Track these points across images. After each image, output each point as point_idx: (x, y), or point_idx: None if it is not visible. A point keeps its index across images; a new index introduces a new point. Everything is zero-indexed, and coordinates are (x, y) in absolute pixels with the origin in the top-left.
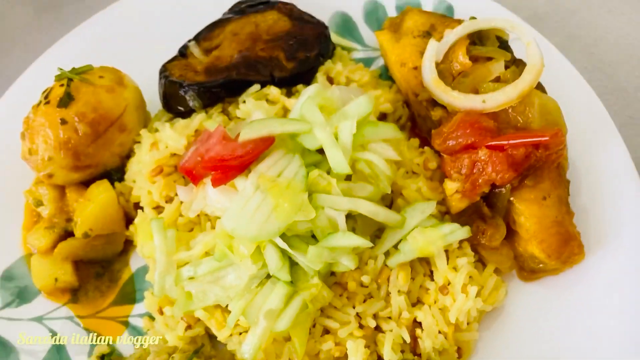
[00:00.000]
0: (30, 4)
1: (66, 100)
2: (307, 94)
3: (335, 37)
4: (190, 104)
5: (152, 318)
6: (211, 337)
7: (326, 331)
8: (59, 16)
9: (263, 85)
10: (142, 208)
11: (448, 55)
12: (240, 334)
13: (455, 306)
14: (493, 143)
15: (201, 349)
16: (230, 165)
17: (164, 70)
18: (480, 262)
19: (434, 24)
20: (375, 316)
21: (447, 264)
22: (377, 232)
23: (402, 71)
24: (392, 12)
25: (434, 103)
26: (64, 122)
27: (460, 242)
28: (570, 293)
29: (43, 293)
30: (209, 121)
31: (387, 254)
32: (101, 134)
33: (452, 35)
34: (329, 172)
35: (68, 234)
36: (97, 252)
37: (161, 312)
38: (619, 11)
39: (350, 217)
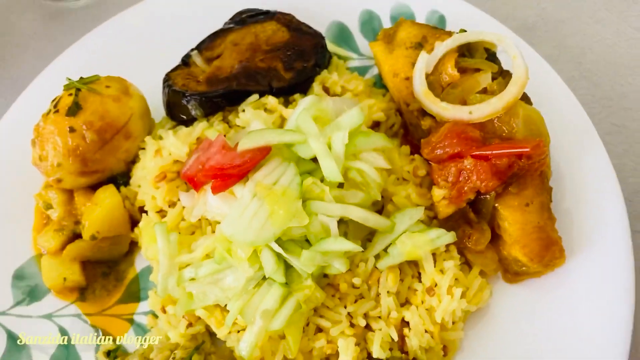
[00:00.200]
0: (38, 12)
1: (74, 109)
2: (303, 105)
3: (331, 46)
4: (193, 112)
5: (155, 316)
6: (211, 334)
7: (319, 330)
8: (66, 24)
9: (261, 95)
10: (146, 212)
11: (438, 67)
12: (239, 331)
13: (441, 307)
14: (478, 153)
15: (202, 345)
16: (229, 174)
17: (168, 80)
18: (467, 264)
19: (426, 35)
20: (365, 316)
21: (434, 266)
22: (368, 236)
23: (394, 81)
24: (386, 22)
25: (424, 113)
26: (72, 130)
27: (447, 245)
28: (552, 295)
29: (52, 292)
30: (210, 130)
31: (377, 256)
32: (108, 141)
33: (441, 47)
34: (322, 180)
35: (76, 236)
36: (104, 253)
37: (164, 311)
38: (606, 21)
39: (342, 222)
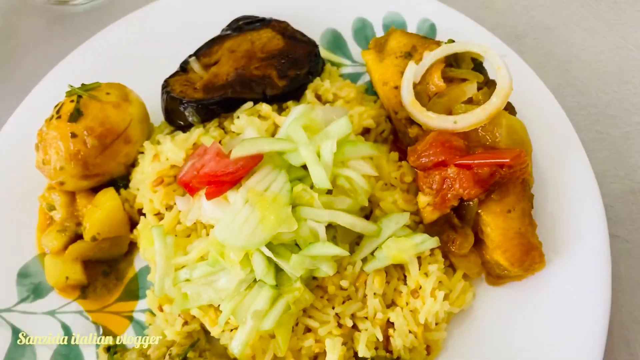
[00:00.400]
0: (42, 16)
1: (76, 115)
2: (293, 115)
3: (325, 53)
4: (190, 119)
5: (153, 314)
6: (206, 332)
7: (307, 329)
8: (69, 28)
9: (256, 102)
10: (144, 214)
11: (425, 77)
12: (231, 330)
13: (424, 308)
14: (461, 162)
15: (197, 342)
16: (223, 180)
17: (166, 86)
18: (451, 267)
19: (416, 45)
20: (352, 316)
21: (419, 269)
22: (356, 239)
23: (384, 89)
24: (379, 30)
25: (411, 121)
26: (74, 135)
27: (432, 249)
28: (532, 297)
29: (55, 289)
30: (205, 136)
31: (364, 260)
32: (108, 146)
33: (429, 58)
34: (312, 186)
35: (78, 237)
36: (104, 253)
37: (161, 309)
38: (593, 30)
39: (331, 227)
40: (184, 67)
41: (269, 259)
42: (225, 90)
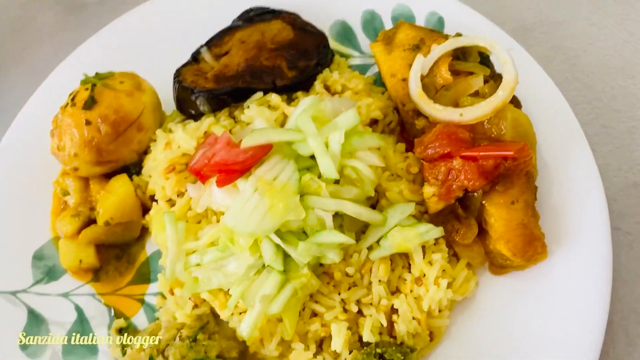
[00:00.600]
0: (57, 6)
1: (90, 103)
2: (302, 106)
3: (334, 44)
4: (201, 108)
5: (164, 297)
6: (215, 315)
7: (314, 314)
8: (83, 17)
9: (265, 93)
10: (156, 200)
11: (433, 69)
12: (240, 314)
13: (428, 296)
14: (466, 154)
15: (206, 325)
16: (233, 169)
17: (178, 75)
18: (455, 256)
19: (424, 38)
20: (357, 302)
21: (423, 258)
22: (362, 228)
23: (392, 81)
24: (387, 22)
25: (418, 113)
26: (88, 122)
27: (437, 239)
28: (534, 287)
29: (69, 272)
30: (216, 125)
31: (370, 248)
32: (121, 134)
33: (437, 51)
34: (319, 176)
35: (91, 221)
36: (117, 238)
37: (172, 293)
38: (601, 24)
39: (337, 215)
40: (196, 57)
41: (277, 245)
42: (236, 80)
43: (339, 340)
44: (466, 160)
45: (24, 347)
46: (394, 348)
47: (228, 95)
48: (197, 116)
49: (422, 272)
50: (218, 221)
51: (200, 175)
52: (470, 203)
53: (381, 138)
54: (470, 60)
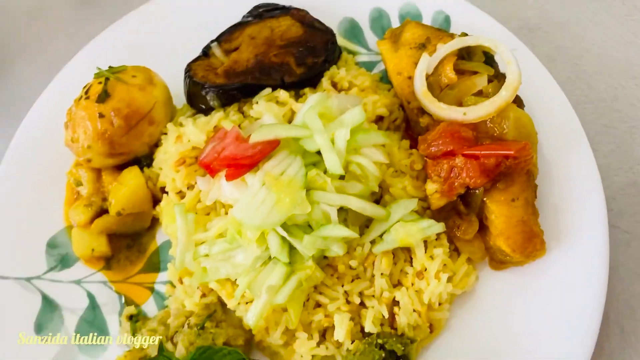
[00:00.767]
0: None
1: (103, 96)
2: (310, 103)
3: (342, 41)
4: (211, 103)
5: (173, 286)
6: (222, 304)
7: (318, 305)
8: (97, 10)
9: (274, 89)
10: (167, 192)
11: (438, 68)
12: (247, 303)
13: (428, 289)
14: (468, 152)
15: (213, 314)
16: (242, 163)
17: (189, 70)
18: (456, 251)
19: (430, 37)
20: (360, 294)
21: (425, 252)
22: (366, 222)
23: (398, 79)
24: (394, 20)
25: (422, 111)
26: (101, 115)
27: (438, 234)
28: (533, 282)
29: (81, 260)
30: (226, 120)
31: (373, 242)
32: (133, 127)
33: (442, 50)
34: (325, 172)
35: (103, 211)
36: (128, 227)
37: (181, 282)
38: (604, 25)
39: (342, 210)
40: (206, 52)
41: (283, 238)
42: (245, 76)
43: (342, 330)
44: (468, 158)
45: (38, 330)
46: (394, 339)
47: (237, 90)
48: (207, 111)
49: (424, 266)
50: (226, 214)
51: (210, 169)
52: (472, 200)
53: (386, 135)
54: (475, 60)
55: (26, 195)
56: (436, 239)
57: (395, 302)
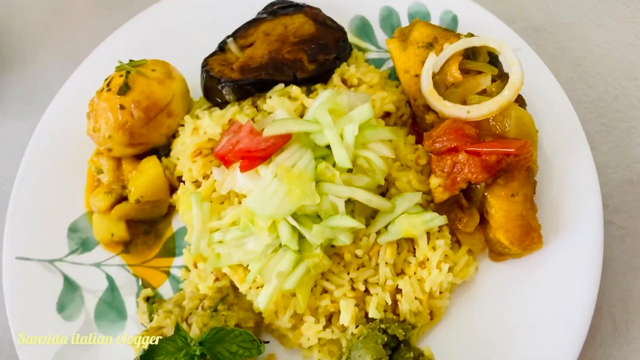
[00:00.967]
0: None
1: (124, 89)
2: (320, 99)
3: (353, 38)
4: (226, 97)
5: (188, 270)
6: (235, 288)
7: (324, 291)
8: (118, 4)
9: (287, 84)
10: (183, 182)
11: (444, 67)
12: (257, 288)
13: (430, 278)
14: (471, 149)
15: (226, 297)
16: (255, 156)
17: (206, 65)
18: (457, 243)
19: (437, 36)
20: (365, 282)
21: (428, 243)
22: (372, 214)
23: (405, 77)
24: (404, 18)
25: (428, 108)
26: (122, 107)
27: (441, 226)
28: (530, 274)
29: (101, 244)
30: (240, 114)
31: (378, 232)
32: (152, 118)
33: (448, 50)
34: (334, 165)
35: (123, 198)
36: (146, 214)
37: (195, 266)
38: (608, 26)
39: (349, 202)
40: (222, 47)
41: (293, 227)
42: (260, 72)
43: (347, 315)
44: (471, 154)
45: (60, 309)
46: (396, 324)
47: (252, 85)
48: (222, 104)
49: (426, 257)
50: (240, 203)
51: (225, 160)
52: (473, 194)
53: (392, 131)
54: (480, 60)
55: (49, 181)
56: (438, 231)
57: (398, 290)
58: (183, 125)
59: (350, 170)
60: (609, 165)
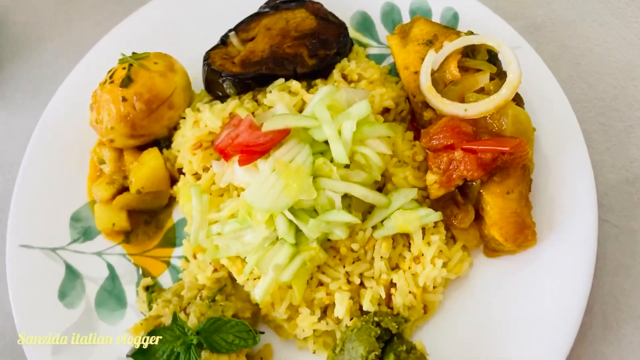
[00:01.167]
0: None
1: (127, 81)
2: (319, 95)
3: (354, 33)
4: (227, 90)
5: (187, 260)
6: (232, 279)
7: (320, 284)
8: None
9: (287, 79)
10: (184, 173)
11: (443, 65)
12: (255, 279)
13: (424, 273)
14: (467, 146)
15: (224, 288)
16: (254, 150)
17: (207, 58)
18: (453, 239)
19: (437, 34)
20: (360, 275)
21: (423, 239)
22: (368, 209)
23: (405, 74)
24: (405, 14)
25: (426, 105)
26: (124, 99)
27: (436, 222)
28: (523, 270)
29: (103, 233)
30: (240, 107)
31: (374, 227)
32: (154, 111)
33: (448, 48)
34: (331, 160)
35: (124, 189)
36: (147, 205)
37: (195, 257)
38: (609, 25)
39: (346, 197)
40: (224, 41)
41: (290, 221)
42: (260, 66)
43: (342, 307)
44: (467, 152)
45: (62, 297)
46: (390, 318)
47: (253, 80)
48: (223, 97)
49: (421, 252)
50: (238, 196)
51: (224, 154)
52: (469, 191)
53: (390, 128)
54: (479, 58)
55: (52, 171)
56: (434, 227)
57: (392, 284)
58: (184, 118)
59: (347, 166)
60: (606, 165)
